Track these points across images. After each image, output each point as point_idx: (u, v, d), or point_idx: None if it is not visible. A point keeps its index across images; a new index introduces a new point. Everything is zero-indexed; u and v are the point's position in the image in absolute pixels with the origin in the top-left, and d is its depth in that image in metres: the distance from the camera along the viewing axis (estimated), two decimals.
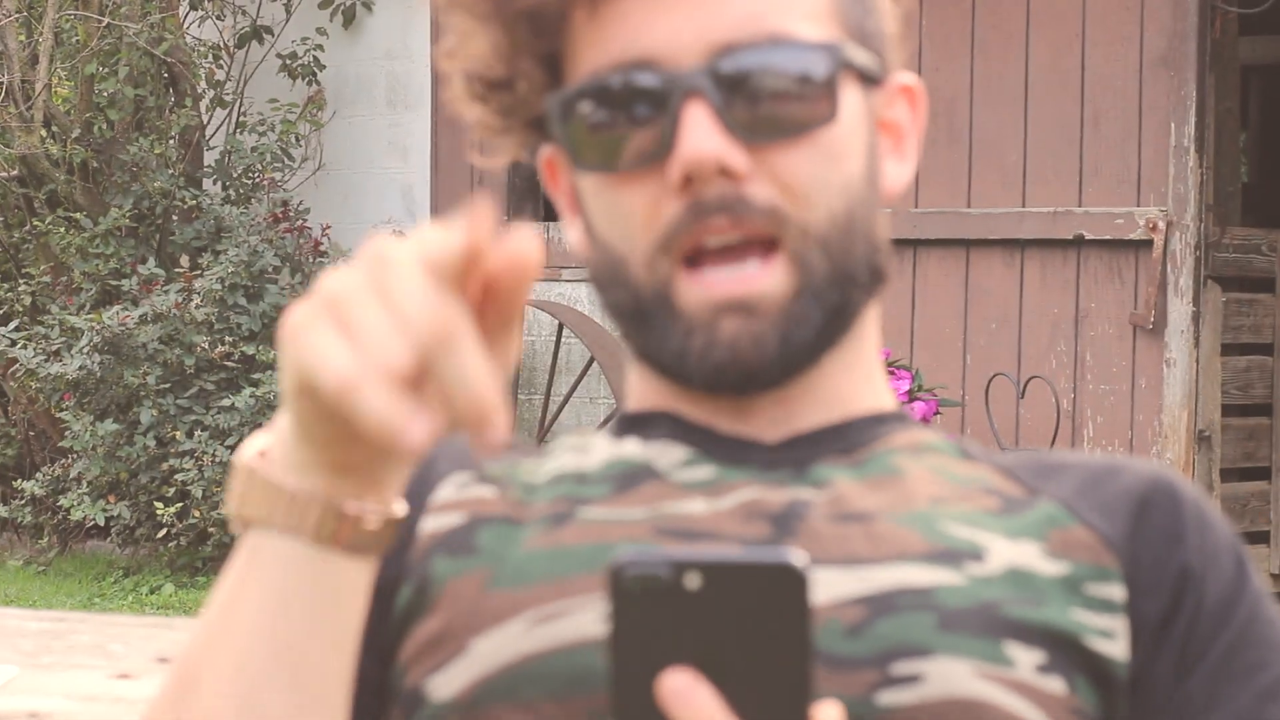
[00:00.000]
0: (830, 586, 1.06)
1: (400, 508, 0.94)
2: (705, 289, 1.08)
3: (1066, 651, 1.07)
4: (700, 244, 1.08)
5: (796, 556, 0.84)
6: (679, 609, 0.83)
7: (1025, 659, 1.05)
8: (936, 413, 6.75)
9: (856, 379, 1.15)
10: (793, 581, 0.84)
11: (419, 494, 1.13)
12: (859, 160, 1.11)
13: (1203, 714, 1.10)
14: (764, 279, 1.07)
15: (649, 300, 1.10)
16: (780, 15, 1.09)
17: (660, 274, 1.09)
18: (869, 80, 1.13)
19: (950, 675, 1.03)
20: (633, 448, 1.15)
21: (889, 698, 1.03)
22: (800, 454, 1.13)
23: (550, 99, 1.11)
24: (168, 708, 0.97)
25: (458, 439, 1.15)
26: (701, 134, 1.06)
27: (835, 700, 0.94)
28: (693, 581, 0.83)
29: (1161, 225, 6.69)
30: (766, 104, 1.07)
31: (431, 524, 1.12)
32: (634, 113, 1.08)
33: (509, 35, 1.11)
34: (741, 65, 1.07)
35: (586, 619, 1.06)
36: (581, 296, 7.87)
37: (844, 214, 1.09)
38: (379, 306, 0.83)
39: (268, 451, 0.94)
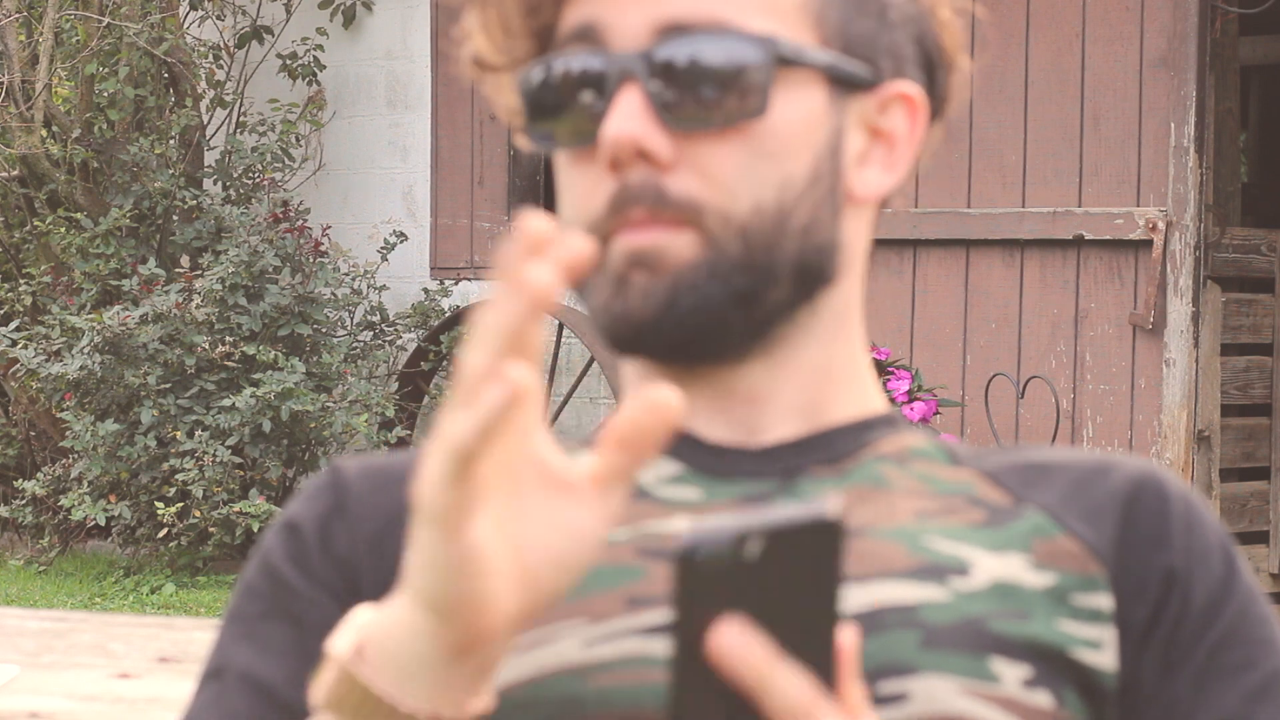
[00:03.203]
0: None
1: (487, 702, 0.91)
2: (622, 240, 1.08)
3: (1053, 664, 1.07)
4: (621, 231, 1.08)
5: (832, 507, 0.85)
6: (738, 578, 0.84)
7: (1011, 674, 1.05)
8: (936, 413, 6.75)
9: (837, 387, 1.14)
10: (832, 532, 0.85)
11: (366, 539, 1.13)
12: (803, 159, 1.09)
13: (1190, 715, 1.09)
14: (666, 237, 1.07)
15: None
16: (733, 1, 1.08)
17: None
18: (846, 83, 1.11)
19: (935, 693, 1.03)
20: None
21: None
22: (786, 464, 1.12)
23: (517, 80, 1.12)
24: None
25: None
26: (624, 117, 1.06)
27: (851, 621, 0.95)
28: (753, 549, 0.84)
29: (1161, 225, 6.69)
30: (696, 93, 1.07)
31: None
32: (580, 93, 1.09)
33: (503, 18, 1.12)
34: (676, 52, 1.07)
35: (568, 645, 1.05)
36: None
37: (774, 208, 1.08)
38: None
39: (367, 647, 0.90)
